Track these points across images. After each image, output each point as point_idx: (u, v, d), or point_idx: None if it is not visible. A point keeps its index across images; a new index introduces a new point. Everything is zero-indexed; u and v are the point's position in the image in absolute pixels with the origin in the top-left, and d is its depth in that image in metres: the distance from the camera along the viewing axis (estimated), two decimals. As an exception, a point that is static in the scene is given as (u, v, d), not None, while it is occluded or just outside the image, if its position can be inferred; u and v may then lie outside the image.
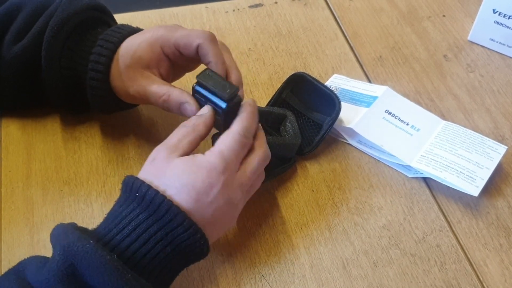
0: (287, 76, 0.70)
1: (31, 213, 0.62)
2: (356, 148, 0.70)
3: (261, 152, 0.57)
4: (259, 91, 0.75)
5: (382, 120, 0.70)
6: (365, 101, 0.71)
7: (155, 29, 0.62)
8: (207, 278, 0.58)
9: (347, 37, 0.83)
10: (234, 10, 0.86)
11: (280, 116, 0.67)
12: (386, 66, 0.79)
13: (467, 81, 0.78)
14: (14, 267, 0.51)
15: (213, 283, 0.58)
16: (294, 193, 0.65)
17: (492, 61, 0.81)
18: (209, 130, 0.57)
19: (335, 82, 0.75)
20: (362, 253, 0.61)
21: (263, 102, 0.72)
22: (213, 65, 0.59)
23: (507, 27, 0.79)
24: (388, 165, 0.68)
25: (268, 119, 0.67)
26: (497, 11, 0.78)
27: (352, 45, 0.82)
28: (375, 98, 0.71)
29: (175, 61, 0.63)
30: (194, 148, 0.56)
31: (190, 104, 0.59)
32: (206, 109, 0.58)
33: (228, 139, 0.55)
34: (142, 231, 0.50)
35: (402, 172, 0.67)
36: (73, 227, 0.50)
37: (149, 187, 0.51)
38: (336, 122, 0.68)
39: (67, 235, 0.49)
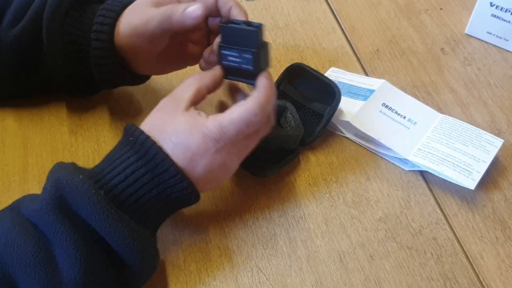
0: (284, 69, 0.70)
1: (28, 206, 0.62)
2: (353, 141, 0.70)
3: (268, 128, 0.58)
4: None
5: (379, 114, 0.70)
6: (362, 94, 0.71)
7: None
8: (204, 271, 0.58)
9: (345, 31, 0.83)
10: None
11: (280, 108, 0.67)
12: (383, 59, 0.79)
13: (464, 74, 0.78)
14: (10, 205, 0.54)
15: (210, 276, 0.58)
16: (291, 186, 0.65)
17: (489, 54, 0.81)
18: (216, 85, 0.58)
19: (332, 75, 0.75)
20: (358, 246, 0.61)
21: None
22: (235, 10, 0.58)
23: (504, 20, 0.79)
24: (385, 159, 0.68)
25: None
26: (494, 4, 0.78)
27: (349, 38, 0.82)
28: (372, 91, 0.71)
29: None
30: (200, 99, 0.56)
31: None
32: (217, 67, 0.58)
33: (236, 114, 0.54)
34: (130, 172, 0.53)
35: (399, 165, 0.68)
36: (69, 165, 0.54)
37: (141, 132, 0.54)
38: (334, 116, 0.68)
39: (60, 170, 0.52)
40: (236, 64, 0.57)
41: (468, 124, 0.69)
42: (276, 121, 0.67)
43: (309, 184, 0.66)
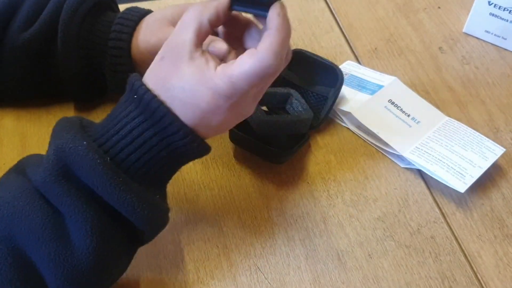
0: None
1: (26, 205, 0.62)
2: (352, 137, 0.70)
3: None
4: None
5: (383, 109, 0.70)
6: (371, 88, 0.72)
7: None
8: (202, 270, 0.58)
9: (343, 29, 0.83)
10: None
11: (284, 96, 0.68)
12: (381, 58, 0.79)
13: (462, 73, 0.78)
14: (14, 165, 0.53)
15: (208, 275, 0.58)
16: (289, 185, 0.65)
17: (487, 53, 0.81)
18: (220, 18, 0.50)
19: (347, 68, 0.76)
20: (357, 244, 0.61)
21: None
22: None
23: (502, 19, 0.79)
24: (383, 158, 0.68)
25: (273, 101, 0.68)
26: (492, 3, 0.78)
27: (347, 37, 0.82)
28: (380, 86, 0.72)
29: None
30: (204, 36, 0.50)
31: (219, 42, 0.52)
32: None
33: (248, 66, 0.47)
34: (137, 134, 0.49)
35: (396, 161, 0.68)
36: (73, 123, 0.50)
37: (146, 90, 0.49)
38: (338, 106, 0.69)
39: (63, 133, 0.49)
40: None
41: (472, 130, 0.69)
42: (281, 108, 0.68)
43: (308, 183, 0.66)
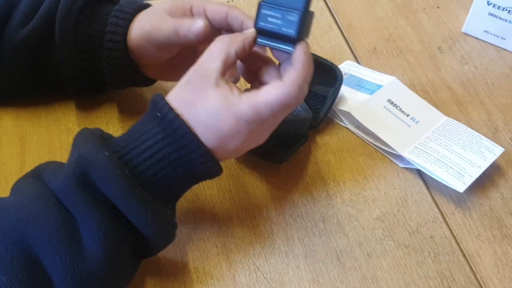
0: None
1: (25, 205, 0.62)
2: (352, 135, 0.70)
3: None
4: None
5: (382, 109, 0.70)
6: (370, 88, 0.72)
7: None
8: (201, 269, 0.58)
9: (342, 29, 0.83)
10: (228, 2, 0.86)
11: None
12: (380, 58, 0.79)
13: (461, 73, 0.78)
14: (31, 171, 0.54)
15: (207, 274, 0.58)
16: (289, 185, 0.65)
17: (486, 53, 0.81)
18: (246, 50, 0.53)
19: (346, 68, 0.76)
20: (356, 244, 0.61)
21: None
22: (247, 22, 0.56)
23: (501, 19, 0.79)
24: (382, 157, 0.68)
25: None
26: (491, 3, 0.78)
27: (346, 37, 0.82)
28: (380, 86, 0.72)
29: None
30: (229, 66, 0.53)
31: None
32: (251, 30, 0.54)
33: (272, 96, 0.50)
34: (156, 151, 0.51)
35: (395, 161, 0.68)
36: (95, 135, 0.52)
37: (169, 109, 0.51)
38: (337, 106, 0.69)
39: (85, 143, 0.51)
40: (275, 27, 0.52)
41: (471, 130, 0.69)
42: None
43: (307, 182, 0.66)
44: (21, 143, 0.67)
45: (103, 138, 0.53)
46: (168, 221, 0.53)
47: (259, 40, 0.53)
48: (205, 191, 0.64)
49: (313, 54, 0.70)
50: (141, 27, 0.62)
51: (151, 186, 0.51)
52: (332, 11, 0.86)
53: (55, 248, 0.48)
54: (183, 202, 0.63)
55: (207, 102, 0.51)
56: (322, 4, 0.87)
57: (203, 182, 0.65)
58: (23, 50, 0.65)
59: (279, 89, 0.50)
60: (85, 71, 0.66)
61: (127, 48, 0.63)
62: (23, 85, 0.68)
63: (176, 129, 0.51)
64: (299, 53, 0.51)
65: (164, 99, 0.52)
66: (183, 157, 0.51)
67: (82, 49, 0.65)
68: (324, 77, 0.70)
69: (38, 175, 0.53)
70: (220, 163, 0.54)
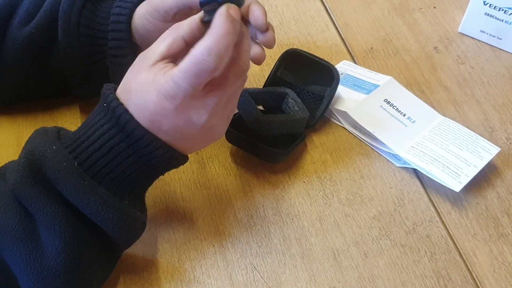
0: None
1: (21, 204, 0.62)
2: (349, 135, 0.70)
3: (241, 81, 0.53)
4: (250, 82, 0.75)
5: (379, 108, 0.70)
6: (366, 88, 0.72)
7: None
8: (198, 269, 0.58)
9: (339, 29, 0.83)
10: (225, 1, 0.86)
11: (280, 95, 0.68)
12: (377, 57, 0.80)
13: (457, 72, 0.78)
14: None
15: (204, 274, 0.58)
16: (285, 184, 0.65)
17: (482, 52, 0.81)
18: (194, 32, 0.51)
19: (343, 67, 0.76)
20: (352, 243, 0.61)
21: (259, 84, 0.73)
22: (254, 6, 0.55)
23: (498, 19, 0.79)
24: (378, 157, 0.68)
25: (270, 101, 0.68)
26: (487, 3, 0.78)
27: (343, 36, 0.82)
28: (376, 86, 0.72)
29: None
30: (174, 50, 0.51)
31: None
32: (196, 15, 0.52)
33: (184, 64, 0.48)
34: (105, 141, 0.51)
35: (391, 161, 0.68)
36: (49, 131, 0.52)
37: (113, 98, 0.51)
38: (333, 106, 0.69)
39: (35, 139, 0.52)
40: None
41: (467, 129, 0.69)
42: (277, 108, 0.68)
43: (303, 182, 0.66)
44: (18, 143, 0.67)
45: (58, 134, 0.53)
46: (124, 213, 0.51)
47: (204, 19, 0.51)
48: (202, 191, 0.64)
49: (309, 54, 0.71)
50: (147, 2, 0.62)
51: (103, 177, 0.51)
52: (329, 11, 0.86)
53: (14, 245, 0.49)
54: (180, 202, 0.63)
55: (137, 83, 0.50)
56: (319, 4, 0.87)
57: (201, 181, 0.65)
58: (26, 48, 0.64)
59: (191, 56, 0.48)
60: (89, 67, 0.66)
61: (132, 38, 0.63)
62: (26, 90, 0.68)
63: (119, 117, 0.50)
64: (216, 16, 0.48)
65: (111, 89, 0.52)
66: (132, 146, 0.51)
67: (86, 43, 0.64)
68: (321, 77, 0.70)
69: (1, 174, 0.53)
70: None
